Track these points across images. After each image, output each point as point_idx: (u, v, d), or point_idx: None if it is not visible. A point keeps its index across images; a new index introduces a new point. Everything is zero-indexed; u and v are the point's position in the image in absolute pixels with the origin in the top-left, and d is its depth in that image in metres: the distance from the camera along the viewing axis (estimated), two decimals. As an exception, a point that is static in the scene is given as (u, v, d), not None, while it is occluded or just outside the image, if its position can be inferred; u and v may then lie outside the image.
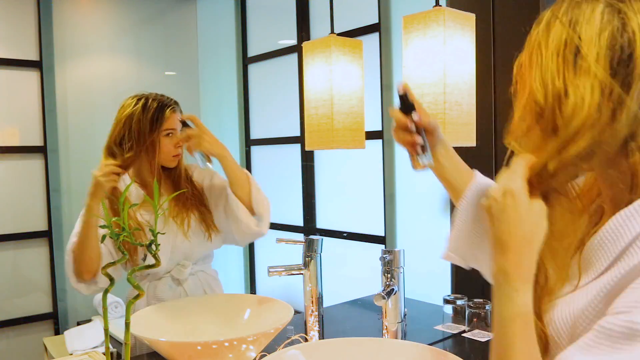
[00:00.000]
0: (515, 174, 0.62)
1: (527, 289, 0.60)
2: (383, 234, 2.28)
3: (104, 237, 0.91)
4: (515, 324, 0.58)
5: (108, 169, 1.43)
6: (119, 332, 2.47)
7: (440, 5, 1.13)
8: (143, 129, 1.52)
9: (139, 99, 1.57)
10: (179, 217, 1.57)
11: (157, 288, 1.56)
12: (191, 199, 1.61)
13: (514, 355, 0.57)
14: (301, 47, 1.47)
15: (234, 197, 1.55)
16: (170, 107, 1.56)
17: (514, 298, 0.59)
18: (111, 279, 0.88)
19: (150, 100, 1.55)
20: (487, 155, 1.68)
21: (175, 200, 1.58)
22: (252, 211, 1.58)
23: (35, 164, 2.84)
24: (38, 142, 2.85)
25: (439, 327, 1.50)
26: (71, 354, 2.28)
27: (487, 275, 0.86)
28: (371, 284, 2.04)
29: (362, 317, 1.70)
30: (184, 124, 1.53)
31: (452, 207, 1.85)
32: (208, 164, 1.54)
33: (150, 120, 1.52)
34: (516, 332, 0.58)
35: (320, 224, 2.66)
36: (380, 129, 2.26)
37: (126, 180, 1.56)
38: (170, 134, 1.56)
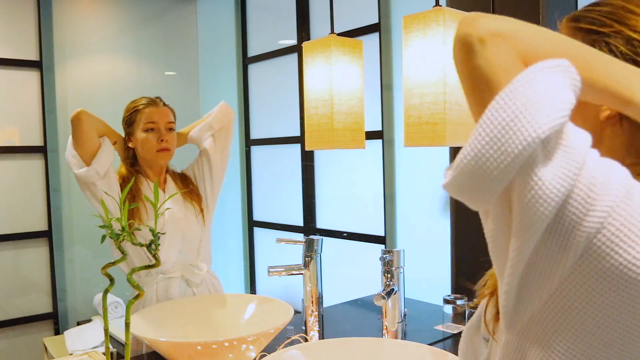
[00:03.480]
0: None
1: None
2: (383, 234, 2.27)
3: (103, 237, 0.91)
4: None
5: None
6: (119, 332, 2.47)
7: (440, 5, 1.13)
8: (125, 125, 1.63)
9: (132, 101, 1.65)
10: (182, 213, 1.61)
11: (170, 289, 1.56)
12: (189, 194, 1.65)
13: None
14: (301, 47, 1.47)
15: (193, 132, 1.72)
16: (150, 102, 1.60)
17: None
18: (111, 279, 0.88)
19: (137, 99, 1.64)
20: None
21: (179, 198, 1.62)
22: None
23: (35, 164, 2.84)
24: (38, 142, 2.85)
25: (439, 327, 1.50)
26: (71, 354, 2.28)
27: None
28: (371, 284, 2.04)
29: (362, 317, 1.70)
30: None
31: (452, 207, 1.85)
32: None
33: (129, 115, 1.61)
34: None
35: (320, 224, 2.66)
36: (380, 129, 2.26)
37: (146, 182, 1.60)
38: (152, 129, 1.57)
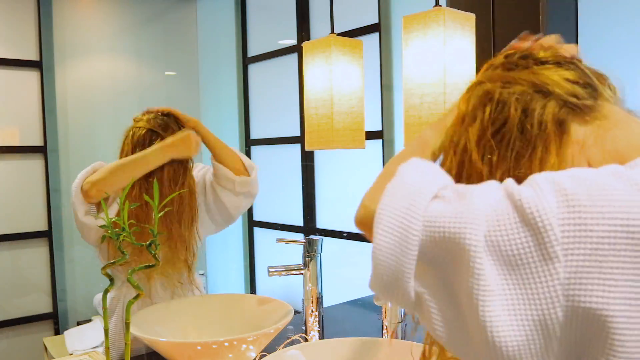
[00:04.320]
0: None
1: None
2: (383, 234, 2.27)
3: (103, 237, 0.91)
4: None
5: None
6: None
7: (440, 5, 1.13)
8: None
9: None
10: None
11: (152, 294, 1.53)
12: (188, 197, 1.59)
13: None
14: (301, 47, 1.47)
15: (218, 165, 1.55)
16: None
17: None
18: (111, 279, 0.88)
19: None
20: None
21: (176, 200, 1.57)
22: (238, 172, 1.56)
23: (35, 164, 2.84)
24: (38, 142, 2.85)
25: (439, 327, 1.50)
26: (71, 354, 2.28)
27: None
28: (371, 284, 2.04)
29: (362, 317, 1.70)
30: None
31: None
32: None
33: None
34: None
35: (320, 224, 2.66)
36: (380, 129, 2.26)
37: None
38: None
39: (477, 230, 0.47)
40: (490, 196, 0.49)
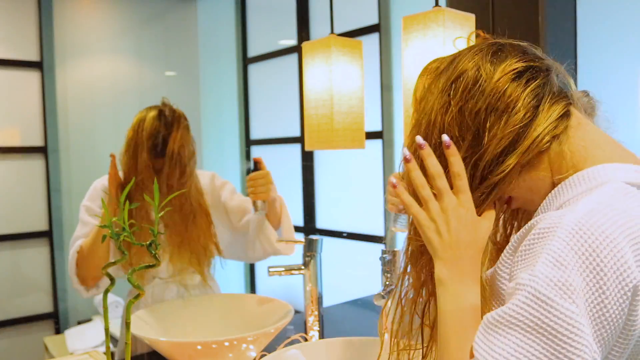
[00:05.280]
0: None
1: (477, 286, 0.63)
2: (383, 234, 2.28)
3: (104, 237, 0.91)
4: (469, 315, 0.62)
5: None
6: (119, 331, 2.47)
7: (440, 6, 1.14)
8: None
9: None
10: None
11: (166, 292, 1.54)
12: (197, 206, 1.59)
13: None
14: (301, 47, 1.47)
15: (267, 223, 1.59)
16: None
17: (466, 293, 0.62)
18: (112, 279, 0.88)
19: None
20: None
21: (179, 205, 1.57)
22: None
23: (36, 164, 2.85)
24: (39, 142, 2.85)
25: (439, 327, 1.50)
26: (72, 354, 2.29)
27: None
28: (371, 284, 2.04)
29: (362, 317, 1.70)
30: (255, 166, 1.56)
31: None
32: (262, 211, 1.55)
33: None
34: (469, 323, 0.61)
35: (320, 224, 2.66)
36: (380, 129, 2.26)
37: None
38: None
39: None
40: None
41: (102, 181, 1.57)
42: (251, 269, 3.17)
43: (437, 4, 1.15)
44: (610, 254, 0.52)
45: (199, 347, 1.10)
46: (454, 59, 0.69)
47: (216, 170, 1.65)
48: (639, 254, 0.54)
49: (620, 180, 0.60)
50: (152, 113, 1.53)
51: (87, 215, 1.52)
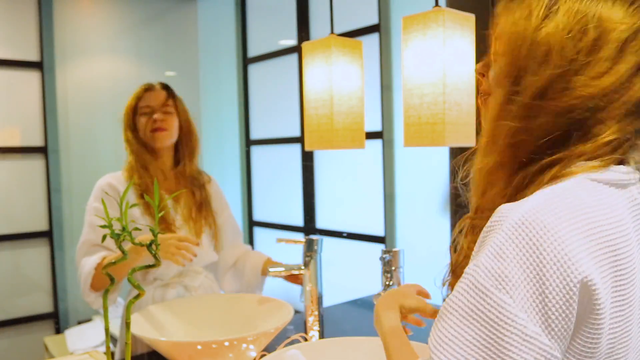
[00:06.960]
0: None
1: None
2: (383, 234, 2.28)
3: (104, 237, 0.91)
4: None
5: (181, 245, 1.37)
6: (119, 331, 2.47)
7: (440, 6, 1.14)
8: (131, 114, 1.60)
9: None
10: (192, 221, 1.57)
11: (166, 295, 1.54)
12: (205, 204, 1.61)
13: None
14: (301, 47, 1.47)
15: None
16: (147, 87, 1.60)
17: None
18: (112, 279, 0.88)
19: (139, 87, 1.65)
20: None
21: (189, 202, 1.58)
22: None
23: (36, 164, 2.85)
24: (39, 142, 2.85)
25: (439, 327, 1.50)
26: (72, 354, 2.29)
27: None
28: (371, 284, 2.04)
29: (362, 317, 1.70)
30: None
31: (452, 207, 1.85)
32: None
33: (130, 104, 1.60)
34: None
35: (320, 224, 2.66)
36: (380, 129, 2.26)
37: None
38: (146, 113, 1.57)
39: None
40: None
41: (106, 180, 1.57)
42: (251, 269, 3.17)
43: (437, 4, 1.15)
44: (551, 248, 0.53)
45: (199, 347, 1.10)
46: None
47: (216, 170, 1.66)
48: (594, 249, 0.54)
49: (585, 176, 0.60)
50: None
51: (96, 217, 1.50)
